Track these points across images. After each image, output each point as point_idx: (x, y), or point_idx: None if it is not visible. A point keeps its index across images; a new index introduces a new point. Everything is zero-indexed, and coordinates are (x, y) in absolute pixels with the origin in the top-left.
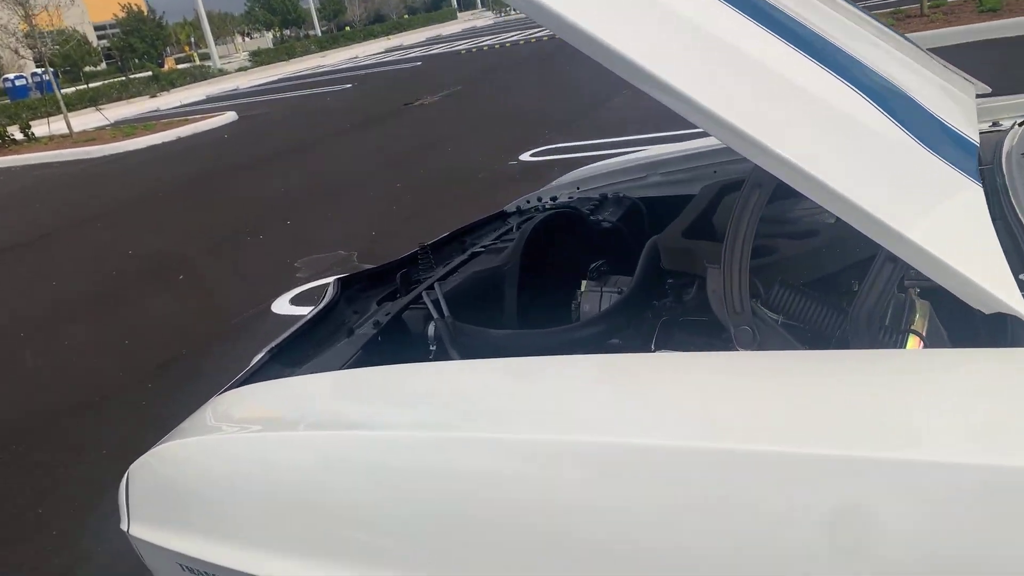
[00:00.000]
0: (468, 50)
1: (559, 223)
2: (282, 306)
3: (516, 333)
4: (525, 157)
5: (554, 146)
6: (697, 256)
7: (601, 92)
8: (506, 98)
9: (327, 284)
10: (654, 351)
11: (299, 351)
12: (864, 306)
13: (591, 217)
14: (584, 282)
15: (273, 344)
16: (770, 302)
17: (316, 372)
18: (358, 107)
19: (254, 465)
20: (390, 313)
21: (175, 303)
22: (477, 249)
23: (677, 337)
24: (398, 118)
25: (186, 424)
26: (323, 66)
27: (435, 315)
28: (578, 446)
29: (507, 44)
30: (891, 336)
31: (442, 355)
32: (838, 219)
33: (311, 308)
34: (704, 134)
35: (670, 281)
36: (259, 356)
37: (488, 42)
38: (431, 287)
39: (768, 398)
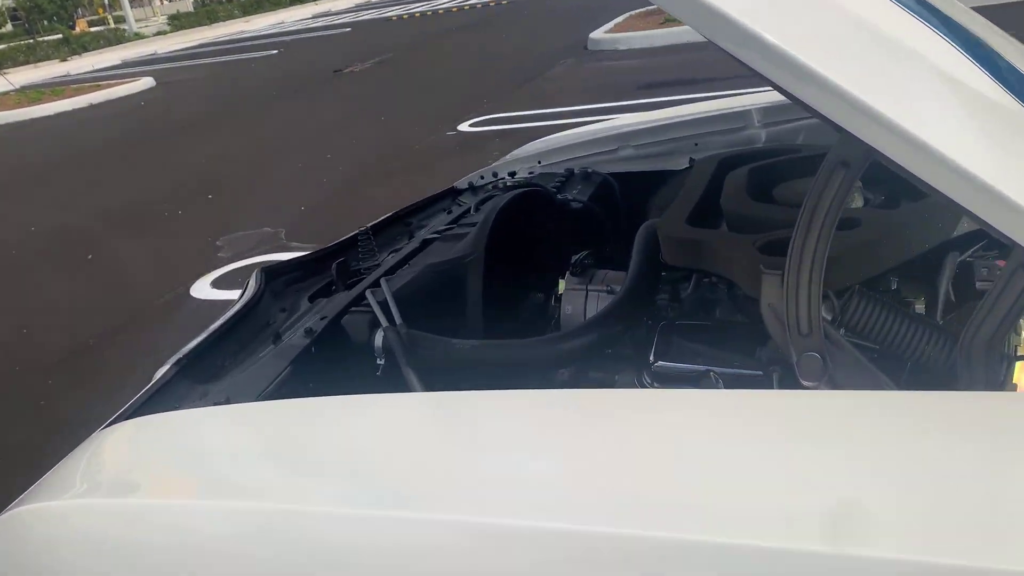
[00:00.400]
0: (399, 16)
1: (527, 204)
2: (202, 289)
3: (487, 345)
4: (463, 127)
5: (494, 116)
6: (709, 250)
7: (539, 61)
8: (440, 66)
9: (252, 264)
10: (653, 363)
11: (214, 361)
12: (984, 328)
13: (558, 196)
14: (564, 278)
15: (181, 354)
16: (845, 319)
17: (234, 391)
18: (285, 74)
19: (131, 543)
20: (326, 317)
21: (82, 286)
22: (430, 236)
23: (679, 346)
24: (327, 86)
25: (54, 476)
26: (247, 31)
27: (383, 321)
28: (543, 536)
29: (439, 11)
30: (1003, 365)
31: (392, 371)
32: (872, 205)
33: (235, 297)
34: (678, 102)
35: (662, 274)
36: (164, 368)
37: (419, 8)
38: (376, 284)
39: (855, 466)
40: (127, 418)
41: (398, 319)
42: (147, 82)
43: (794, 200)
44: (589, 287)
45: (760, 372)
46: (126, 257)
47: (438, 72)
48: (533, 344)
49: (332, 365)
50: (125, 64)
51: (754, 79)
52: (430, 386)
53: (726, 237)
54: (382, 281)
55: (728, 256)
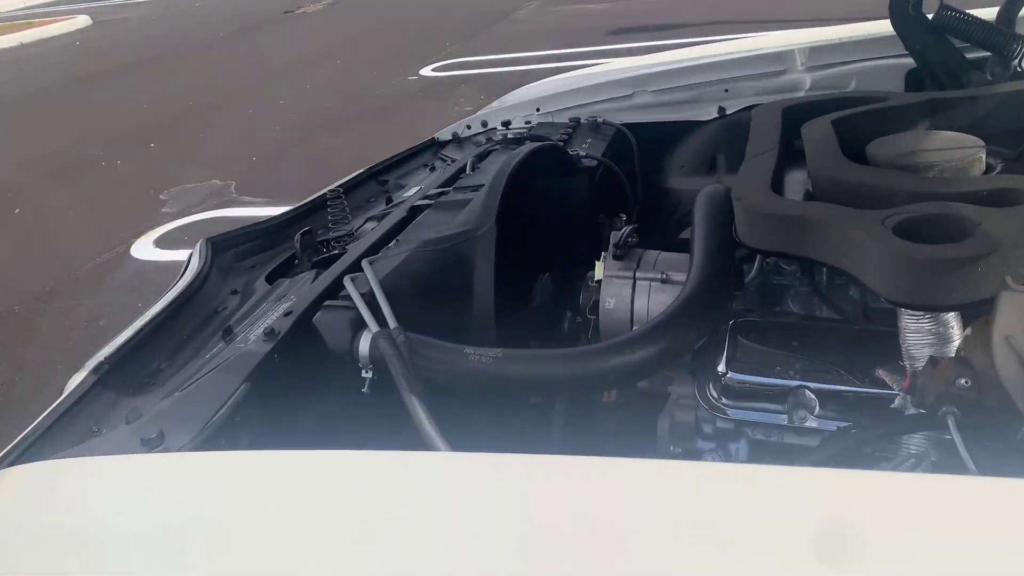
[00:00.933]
0: None
1: (542, 164)
2: (144, 249)
3: (516, 357)
4: (426, 72)
5: (458, 60)
6: (817, 231)
7: (502, 3)
8: (399, 6)
9: (199, 221)
10: (724, 374)
11: (147, 364)
12: None
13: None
14: (601, 262)
15: (102, 356)
16: None
17: (170, 420)
18: (231, 14)
19: None
20: (292, 312)
21: (9, 245)
22: (420, 202)
23: (755, 352)
24: (277, 27)
25: None
26: None
27: (370, 322)
28: None
29: None
30: None
31: (384, 388)
32: (999, 171)
33: (181, 259)
34: (654, 49)
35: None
36: (79, 376)
37: None
38: (356, 266)
39: None
40: (16, 459)
41: (391, 319)
42: (83, 20)
43: (900, 161)
44: (637, 274)
45: (895, 392)
46: (59, 212)
47: (396, 13)
48: (580, 356)
49: (302, 380)
50: (60, 0)
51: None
52: (441, 419)
53: (845, 214)
54: (364, 264)
55: (849, 241)
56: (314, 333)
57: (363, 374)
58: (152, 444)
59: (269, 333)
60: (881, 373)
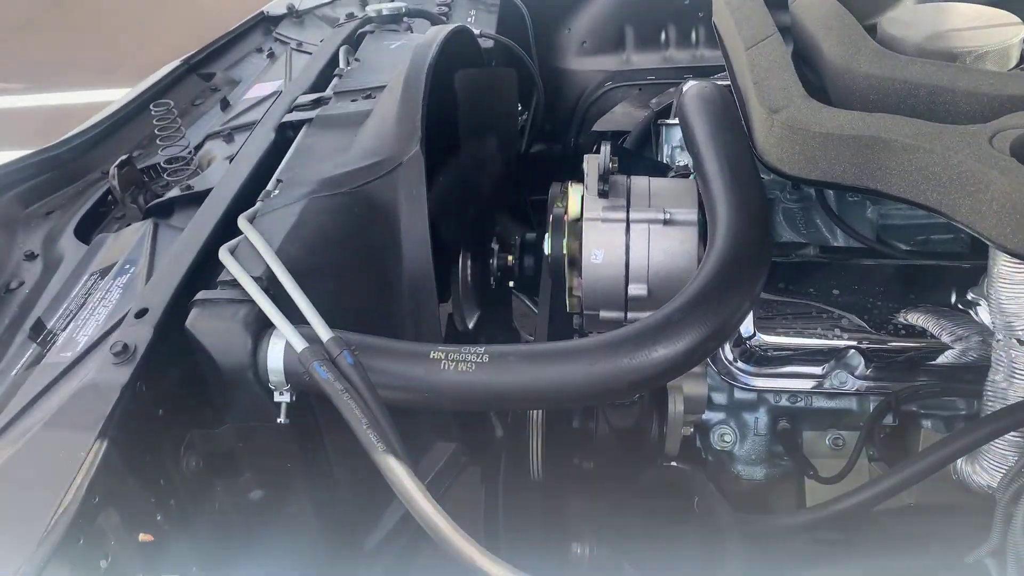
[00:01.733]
0: None
1: (449, 54)
2: None
3: (514, 356)
4: None
5: None
6: (898, 156)
7: None
8: None
9: None
10: (750, 337)
11: None
12: None
13: None
14: (574, 195)
15: None
16: None
17: None
18: None
19: None
20: (148, 313)
21: None
22: (290, 116)
23: (777, 310)
24: None
25: None
26: None
27: (291, 336)
28: None
29: None
30: None
31: (305, 413)
32: None
33: None
34: None
35: None
36: None
37: None
38: (228, 224)
39: None
40: None
41: (322, 327)
42: None
43: (931, 45)
44: (631, 214)
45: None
46: None
47: None
48: (606, 351)
49: (180, 416)
50: None
51: None
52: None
53: (938, 132)
54: (243, 224)
55: (952, 171)
56: (191, 342)
57: (277, 396)
58: None
59: (121, 351)
60: (919, 318)
